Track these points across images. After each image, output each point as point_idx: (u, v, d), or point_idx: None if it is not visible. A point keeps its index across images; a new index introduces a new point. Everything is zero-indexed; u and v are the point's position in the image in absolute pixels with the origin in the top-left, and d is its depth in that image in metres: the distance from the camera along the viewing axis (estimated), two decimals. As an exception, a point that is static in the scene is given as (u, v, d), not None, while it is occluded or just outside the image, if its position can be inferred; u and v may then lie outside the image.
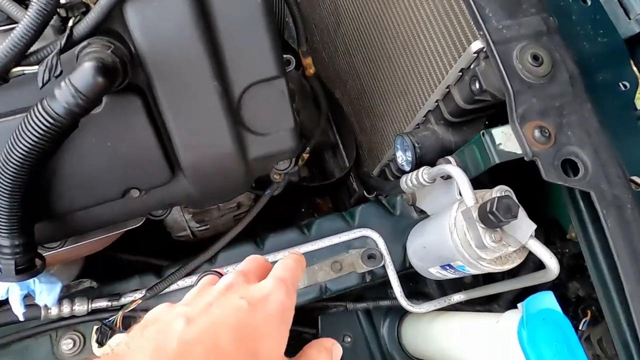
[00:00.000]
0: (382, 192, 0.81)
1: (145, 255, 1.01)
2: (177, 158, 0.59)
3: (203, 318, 0.36)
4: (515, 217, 0.51)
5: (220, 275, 0.49)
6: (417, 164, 0.79)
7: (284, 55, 0.70)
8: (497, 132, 0.59)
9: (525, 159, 0.58)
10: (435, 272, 0.73)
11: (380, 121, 1.10)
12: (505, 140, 0.59)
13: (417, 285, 0.99)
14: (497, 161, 0.58)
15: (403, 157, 0.86)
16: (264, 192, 0.86)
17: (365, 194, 1.20)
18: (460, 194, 0.64)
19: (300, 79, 0.99)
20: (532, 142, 0.58)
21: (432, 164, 0.81)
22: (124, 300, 0.74)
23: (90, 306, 0.72)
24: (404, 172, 1.06)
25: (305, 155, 0.84)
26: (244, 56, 0.57)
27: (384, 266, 0.82)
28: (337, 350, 0.42)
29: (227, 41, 0.55)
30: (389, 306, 0.91)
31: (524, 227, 0.53)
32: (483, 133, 0.60)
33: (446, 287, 0.95)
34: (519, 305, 0.57)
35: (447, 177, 0.67)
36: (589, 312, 0.82)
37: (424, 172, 0.65)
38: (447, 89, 0.73)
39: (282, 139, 0.63)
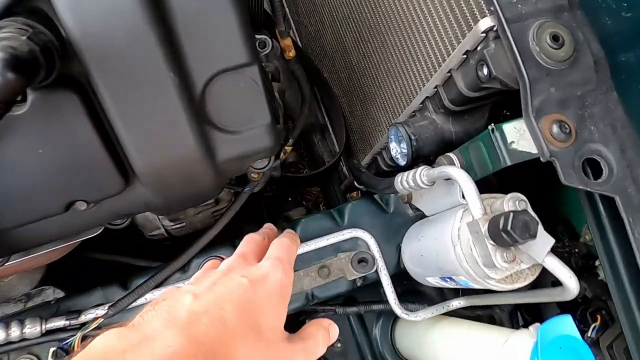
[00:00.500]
0: (374, 190, 0.73)
1: (123, 255, 0.93)
2: (130, 164, 0.50)
3: (209, 294, 0.41)
4: (534, 236, 0.42)
5: (222, 259, 0.52)
6: (413, 158, 0.71)
7: (258, 36, 0.59)
8: (509, 127, 0.50)
9: (541, 159, 0.50)
10: (434, 282, 0.65)
11: (372, 105, 1.00)
12: (519, 137, 0.50)
13: (411, 283, 0.91)
14: (509, 163, 0.50)
15: (397, 149, 0.77)
16: (243, 190, 0.77)
17: (356, 183, 1.11)
18: (464, 197, 0.56)
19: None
20: (550, 140, 0.49)
21: (430, 157, 0.73)
22: (83, 317, 0.66)
23: (44, 327, 0.63)
24: (398, 165, 0.97)
25: (288, 148, 0.75)
26: (205, 39, 0.47)
27: (376, 271, 0.74)
28: (334, 330, 0.48)
29: (183, 21, 0.45)
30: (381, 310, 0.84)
31: (540, 242, 0.45)
32: (492, 129, 0.51)
33: (444, 287, 0.88)
34: (531, 327, 0.49)
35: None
36: (598, 316, 0.75)
37: (423, 174, 0.56)
38: (449, 74, 0.63)
39: (257, 136, 0.54)
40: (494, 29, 0.52)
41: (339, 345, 0.89)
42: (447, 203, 0.61)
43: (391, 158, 0.96)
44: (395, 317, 0.90)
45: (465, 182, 0.49)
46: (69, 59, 0.43)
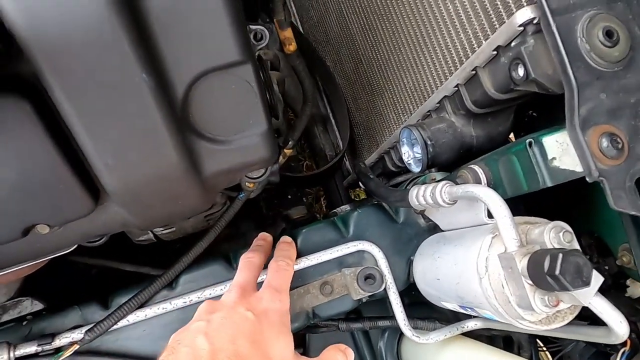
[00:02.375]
0: (383, 201, 0.65)
1: (109, 259, 0.85)
2: (99, 181, 0.42)
3: (220, 332, 0.44)
4: (588, 284, 0.35)
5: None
6: (429, 165, 0.63)
7: (254, 27, 0.51)
8: (550, 141, 0.42)
9: (587, 180, 0.42)
10: (450, 307, 0.58)
11: (380, 100, 0.91)
12: (561, 153, 0.42)
13: (419, 295, 0.84)
14: (549, 184, 0.42)
15: (410, 154, 0.69)
16: (238, 196, 0.69)
17: (361, 184, 1.03)
18: (490, 216, 0.48)
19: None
20: (599, 156, 0.41)
21: (448, 164, 0.65)
22: (57, 342, 0.59)
23: (12, 355, 0.56)
24: (407, 170, 0.89)
25: (288, 151, 0.66)
26: (187, 32, 0.38)
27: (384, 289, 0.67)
28: (350, 353, 0.52)
29: (159, 9, 0.37)
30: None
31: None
32: (530, 142, 0.43)
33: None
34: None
35: (472, 193, 0.51)
36: (628, 341, 0.68)
37: (444, 191, 0.48)
38: (473, 72, 0.55)
39: (251, 146, 0.46)
40: (535, 21, 0.44)
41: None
42: (468, 220, 0.54)
43: (400, 159, 0.88)
44: (401, 336, 0.83)
45: (498, 208, 0.41)
46: (15, 56, 0.34)
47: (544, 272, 0.35)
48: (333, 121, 1.30)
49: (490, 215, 0.50)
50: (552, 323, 0.42)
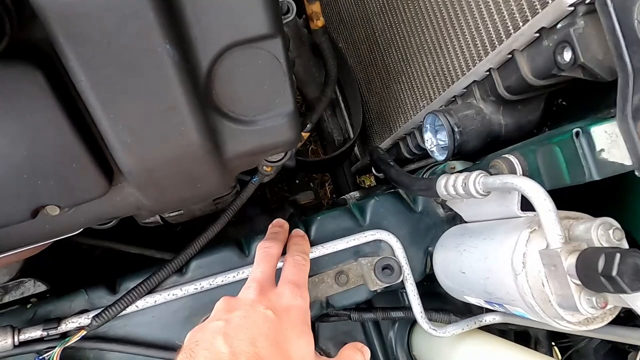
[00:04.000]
0: (405, 190, 0.62)
1: (115, 241, 0.82)
2: (114, 161, 0.39)
3: (239, 333, 0.42)
4: (647, 286, 0.33)
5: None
6: (454, 153, 0.60)
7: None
8: (599, 132, 0.40)
9: (637, 174, 0.39)
10: (474, 302, 0.56)
11: (396, 83, 0.88)
12: (610, 145, 0.40)
13: (432, 285, 0.82)
14: (596, 177, 0.39)
15: (433, 141, 0.66)
16: (250, 180, 0.66)
17: (375, 171, 1.01)
18: (525, 209, 0.46)
19: (296, 22, 0.75)
20: (650, 149, 0.39)
21: (474, 153, 0.62)
22: (63, 327, 0.56)
23: (17, 339, 0.54)
24: (421, 157, 0.86)
25: (305, 135, 0.63)
26: (215, 1, 0.35)
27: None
28: (367, 351, 0.51)
29: (186, -25, 0.33)
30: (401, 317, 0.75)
31: (636, 283, 0.35)
32: (577, 132, 0.40)
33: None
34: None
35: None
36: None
37: (478, 181, 0.46)
38: (510, 55, 0.51)
39: (276, 127, 0.43)
40: (587, 1, 0.40)
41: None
42: (497, 212, 0.51)
43: (417, 146, 0.85)
44: (414, 322, 0.82)
45: (542, 201, 0.38)
46: (28, 20, 0.31)
47: (597, 273, 0.33)
48: (342, 105, 1.26)
49: (525, 208, 0.47)
50: (591, 324, 0.40)
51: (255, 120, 0.42)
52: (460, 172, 0.64)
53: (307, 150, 1.56)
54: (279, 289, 0.50)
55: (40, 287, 0.76)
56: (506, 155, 0.48)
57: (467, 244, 0.53)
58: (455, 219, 0.71)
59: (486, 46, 0.57)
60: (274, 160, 0.53)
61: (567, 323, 0.39)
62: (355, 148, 1.24)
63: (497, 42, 0.55)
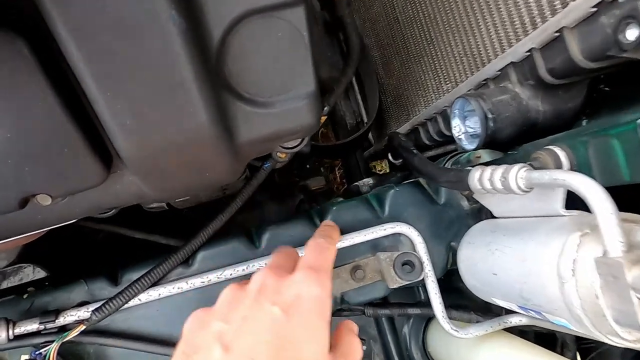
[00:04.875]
0: (431, 181, 0.57)
1: (119, 225, 0.79)
2: (113, 146, 0.34)
3: (239, 340, 0.37)
4: None
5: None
6: (486, 142, 0.55)
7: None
8: (669, 122, 0.34)
9: None
10: (505, 305, 0.52)
11: (417, 64, 0.82)
12: (681, 138, 0.34)
13: (450, 279, 0.78)
14: (664, 175, 0.34)
15: (461, 128, 0.60)
16: (262, 165, 0.62)
17: (392, 158, 0.96)
18: (574, 207, 0.41)
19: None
20: None
21: (508, 142, 0.57)
22: (62, 320, 0.53)
23: (12, 332, 0.50)
24: (440, 144, 0.81)
25: (322, 119, 0.58)
26: (230, -40, 0.30)
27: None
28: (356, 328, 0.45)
29: None
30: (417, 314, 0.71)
31: None
32: (643, 123, 0.35)
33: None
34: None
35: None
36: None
37: (521, 175, 0.41)
38: (558, 33, 0.46)
39: (295, 110, 0.38)
40: (662, -32, 0.35)
41: (363, 347, 0.77)
42: (534, 209, 0.46)
43: (439, 132, 0.80)
44: (429, 319, 0.78)
45: (602, 202, 0.33)
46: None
47: (672, 289, 0.28)
48: (356, 86, 1.21)
49: (568, 206, 0.42)
50: (647, 340, 0.36)
51: (272, 102, 0.37)
52: (489, 163, 0.59)
53: (317, 133, 1.51)
54: (294, 276, 0.42)
55: (40, 274, 0.73)
56: (551, 147, 0.43)
57: (500, 243, 0.48)
58: (480, 213, 0.66)
59: (526, 24, 0.51)
60: (290, 146, 0.48)
61: (622, 340, 0.35)
62: (369, 133, 1.19)
63: (539, 19, 0.49)
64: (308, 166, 1.16)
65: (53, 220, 0.39)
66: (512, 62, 0.54)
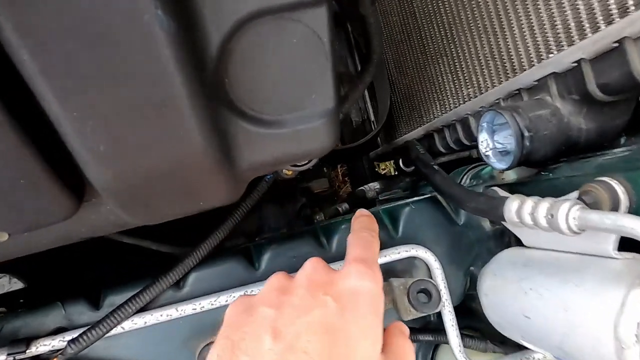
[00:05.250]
0: (456, 204, 0.51)
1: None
2: (84, 175, 0.28)
3: (292, 328, 0.34)
4: None
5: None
6: (520, 162, 0.48)
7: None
8: None
9: None
10: (536, 350, 0.46)
11: (435, 65, 0.75)
12: None
13: (464, 303, 0.72)
14: None
15: (489, 144, 0.54)
16: (265, 177, 0.55)
17: (403, 166, 0.89)
18: (627, 249, 0.35)
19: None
20: None
21: (543, 162, 0.50)
22: (33, 350, 0.47)
23: (-25, 364, 0.44)
24: (453, 151, 0.75)
25: (333, 128, 0.52)
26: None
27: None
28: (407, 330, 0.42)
29: None
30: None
31: None
32: None
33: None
34: None
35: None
36: None
37: (572, 215, 0.34)
38: (617, 44, 0.39)
39: (309, 131, 0.32)
40: None
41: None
42: (578, 245, 0.40)
43: (457, 141, 0.74)
44: (437, 345, 0.72)
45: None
46: None
47: None
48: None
49: (621, 247, 0.36)
50: None
51: (282, 121, 0.30)
52: (517, 185, 0.53)
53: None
54: (344, 270, 0.39)
55: (17, 284, 0.67)
56: (606, 180, 0.36)
57: (536, 282, 0.42)
58: (503, 235, 0.60)
59: (572, 31, 0.44)
60: (299, 164, 0.41)
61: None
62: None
63: (589, 27, 0.42)
64: (310, 168, 1.09)
65: (13, 254, 0.33)
66: (553, 73, 0.47)
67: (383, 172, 1.55)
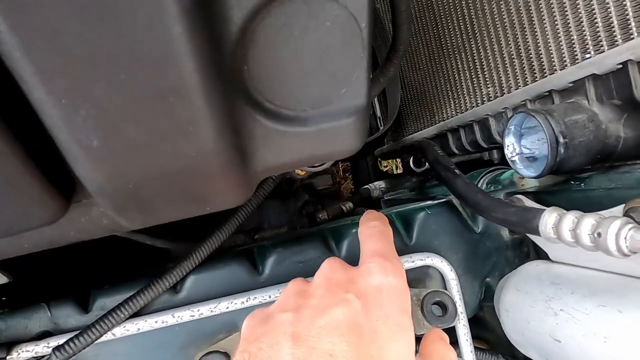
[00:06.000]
0: (480, 214, 0.47)
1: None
2: (74, 175, 0.23)
3: (311, 332, 0.31)
4: None
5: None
6: (552, 170, 0.45)
7: None
8: None
9: None
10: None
11: (451, 60, 0.71)
12: None
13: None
14: None
15: (515, 148, 0.50)
16: (272, 176, 0.51)
17: (413, 166, 0.85)
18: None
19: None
20: None
21: (572, 171, 0.47)
22: (14, 356, 0.43)
23: (-51, 371, 0.40)
24: (468, 152, 0.71)
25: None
26: None
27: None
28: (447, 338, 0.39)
29: None
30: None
31: None
32: None
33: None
34: None
35: None
36: None
37: (628, 236, 0.31)
38: (673, 46, 0.35)
39: (335, 130, 0.28)
40: None
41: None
42: (617, 264, 0.37)
43: (473, 142, 0.70)
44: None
45: None
46: None
47: None
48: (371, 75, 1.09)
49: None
50: None
51: (305, 118, 0.26)
52: (543, 195, 0.49)
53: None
54: (363, 266, 0.35)
55: (1, 279, 0.62)
56: (656, 193, 0.33)
57: (568, 304, 0.38)
58: (522, 245, 0.57)
59: (615, 30, 0.40)
60: (314, 165, 0.37)
61: None
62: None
63: (635, 27, 0.38)
64: (314, 163, 1.05)
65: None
66: (593, 75, 0.43)
67: (385, 170, 1.51)
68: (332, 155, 0.29)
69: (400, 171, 1.46)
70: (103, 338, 0.44)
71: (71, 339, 0.42)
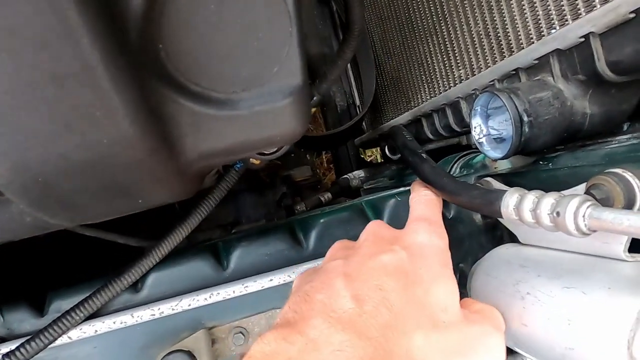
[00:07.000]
0: (447, 197, 0.45)
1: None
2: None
3: (363, 273, 0.33)
4: None
5: None
6: (517, 150, 0.43)
7: None
8: None
9: None
10: (527, 356, 0.41)
11: (423, 43, 0.70)
12: None
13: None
14: None
15: (482, 129, 0.48)
16: (234, 166, 0.50)
17: (388, 153, 0.84)
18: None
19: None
20: None
21: (541, 151, 0.45)
22: (-35, 365, 0.41)
23: None
24: (443, 137, 0.70)
25: (312, 110, 0.46)
26: None
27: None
28: None
29: None
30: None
31: None
32: None
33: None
34: None
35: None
36: None
37: (586, 214, 0.29)
38: (634, 14, 0.34)
39: (270, 112, 0.26)
40: None
41: None
42: (582, 244, 0.36)
43: (447, 126, 0.68)
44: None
45: None
46: None
47: None
48: (349, 65, 1.07)
49: (633, 248, 0.32)
50: None
51: (237, 100, 0.25)
52: (513, 176, 0.48)
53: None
54: (410, 227, 0.38)
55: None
56: (619, 172, 0.32)
57: (534, 287, 0.37)
58: (495, 229, 0.55)
59: (577, 3, 0.39)
60: (266, 152, 0.36)
61: None
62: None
63: (601, -6, 0.37)
64: (292, 154, 1.03)
65: None
66: (556, 50, 0.42)
67: (369, 159, 1.49)
68: (271, 140, 0.27)
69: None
70: (59, 342, 0.42)
71: (22, 344, 0.40)
